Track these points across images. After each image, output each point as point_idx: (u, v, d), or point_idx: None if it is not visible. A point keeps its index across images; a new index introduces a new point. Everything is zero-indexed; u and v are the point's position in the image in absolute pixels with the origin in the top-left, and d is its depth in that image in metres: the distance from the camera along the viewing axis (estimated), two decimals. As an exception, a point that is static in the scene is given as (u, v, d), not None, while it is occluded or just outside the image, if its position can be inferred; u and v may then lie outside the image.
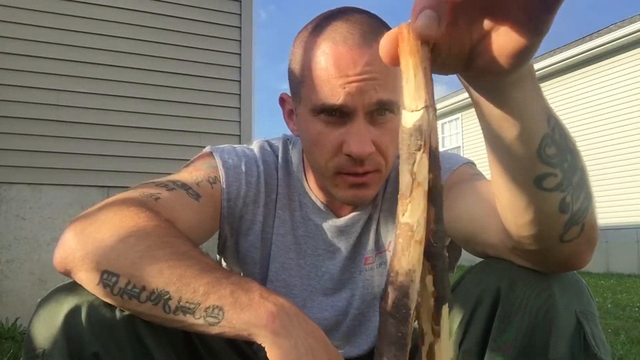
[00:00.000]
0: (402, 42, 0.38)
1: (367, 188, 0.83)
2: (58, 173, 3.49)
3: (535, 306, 0.65)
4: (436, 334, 0.36)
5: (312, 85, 0.80)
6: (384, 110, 0.79)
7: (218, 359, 0.81)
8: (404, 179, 0.36)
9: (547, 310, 0.65)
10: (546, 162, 0.53)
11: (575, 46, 9.95)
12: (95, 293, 0.65)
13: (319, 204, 0.92)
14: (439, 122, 13.48)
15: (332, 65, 0.77)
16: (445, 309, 0.36)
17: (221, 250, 0.96)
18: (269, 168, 0.93)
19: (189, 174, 0.85)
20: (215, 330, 0.62)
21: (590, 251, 0.63)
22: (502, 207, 0.61)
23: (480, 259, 0.75)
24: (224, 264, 0.99)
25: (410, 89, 0.37)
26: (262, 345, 0.60)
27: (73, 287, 0.67)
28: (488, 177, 0.68)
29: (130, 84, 3.71)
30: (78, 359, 0.63)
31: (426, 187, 0.35)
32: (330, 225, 0.92)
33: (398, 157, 0.39)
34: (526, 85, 0.48)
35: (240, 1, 4.06)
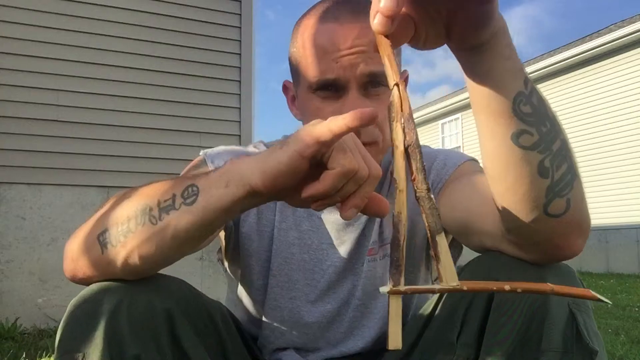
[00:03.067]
0: (376, 36, 0.51)
1: None
2: (58, 173, 3.49)
3: (530, 299, 0.66)
4: (437, 259, 0.46)
5: (308, 63, 0.84)
6: (377, 83, 0.82)
7: None
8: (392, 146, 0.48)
9: (541, 303, 0.66)
10: (522, 119, 0.58)
11: (575, 46, 9.95)
12: (106, 265, 0.66)
13: None
14: (439, 122, 13.49)
15: (326, 41, 0.81)
16: (440, 237, 0.46)
17: (226, 243, 0.97)
18: None
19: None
20: (199, 208, 0.61)
21: (582, 235, 0.65)
22: (488, 172, 0.65)
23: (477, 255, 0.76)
24: (227, 267, 1.01)
25: (386, 73, 0.50)
26: (238, 187, 0.59)
27: (109, 287, 0.67)
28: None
29: (130, 84, 3.71)
30: None
31: (402, 148, 0.47)
32: (335, 218, 0.92)
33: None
34: (501, 42, 0.56)
35: (240, 1, 4.07)
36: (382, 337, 0.92)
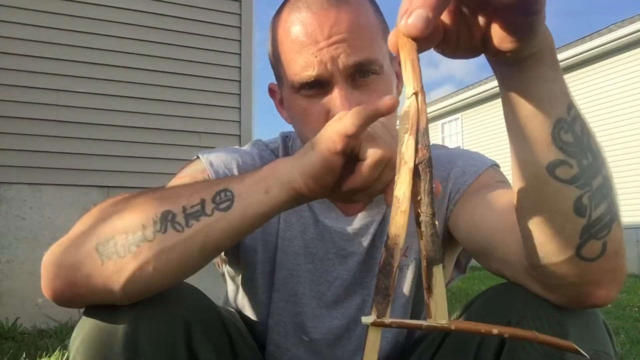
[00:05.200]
0: (398, 38, 0.45)
1: None
2: (58, 173, 3.49)
3: (545, 346, 0.60)
4: (429, 291, 0.42)
5: (286, 61, 0.76)
6: (365, 72, 0.74)
7: None
8: (397, 158, 0.43)
9: (559, 352, 0.60)
10: (561, 148, 0.52)
11: (575, 46, 9.95)
12: (105, 280, 0.59)
13: (327, 202, 0.86)
14: (439, 122, 13.48)
15: (301, 34, 0.73)
16: (437, 269, 0.42)
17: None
18: (266, 164, 0.88)
19: (173, 183, 0.80)
20: (236, 214, 0.59)
21: (615, 284, 0.58)
22: (517, 200, 0.58)
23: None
24: (225, 269, 0.96)
25: (405, 78, 0.44)
26: (281, 192, 0.59)
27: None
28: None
29: (130, 84, 3.71)
30: None
31: (412, 164, 0.42)
32: (342, 227, 0.86)
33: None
34: (545, 61, 0.50)
35: (240, 1, 4.07)
36: (392, 355, 0.88)
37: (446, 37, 0.48)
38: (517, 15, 0.45)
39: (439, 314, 0.42)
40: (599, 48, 9.36)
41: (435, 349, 0.77)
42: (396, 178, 0.42)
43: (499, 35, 0.46)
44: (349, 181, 0.58)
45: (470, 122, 12.41)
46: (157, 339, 0.62)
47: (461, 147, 0.97)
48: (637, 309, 4.39)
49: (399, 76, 0.84)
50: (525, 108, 0.52)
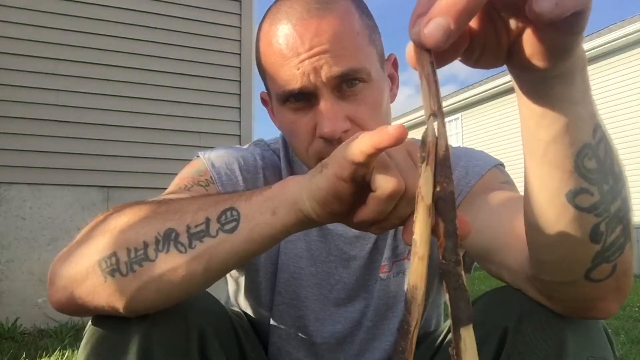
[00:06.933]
0: (414, 49, 0.37)
1: None
2: (58, 173, 3.49)
3: (543, 353, 0.60)
4: (458, 358, 0.33)
5: (271, 74, 0.75)
6: (351, 82, 0.71)
7: None
8: (416, 193, 0.36)
9: (555, 358, 0.59)
10: (583, 176, 0.48)
11: (575, 46, 9.95)
12: (108, 296, 0.58)
13: None
14: (439, 122, 13.46)
15: (282, 47, 0.71)
16: (465, 331, 0.33)
17: None
18: (268, 164, 0.87)
19: (176, 186, 0.79)
20: (241, 237, 0.54)
21: (618, 301, 0.56)
22: (529, 220, 0.54)
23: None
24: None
25: (422, 97, 0.36)
26: (289, 214, 0.54)
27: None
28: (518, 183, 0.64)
29: (130, 84, 3.71)
30: None
31: (429, 201, 0.34)
32: (343, 230, 0.85)
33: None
34: (575, 82, 0.45)
35: (240, 1, 4.07)
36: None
37: (471, 45, 0.41)
38: (555, 32, 0.39)
39: None
40: (599, 48, 9.36)
41: (434, 351, 0.77)
42: (414, 217, 0.35)
43: (530, 50, 0.41)
44: (359, 213, 0.52)
45: (470, 122, 12.40)
46: (170, 347, 0.61)
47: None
48: (637, 309, 4.39)
49: (393, 79, 0.83)
50: (548, 131, 0.46)
